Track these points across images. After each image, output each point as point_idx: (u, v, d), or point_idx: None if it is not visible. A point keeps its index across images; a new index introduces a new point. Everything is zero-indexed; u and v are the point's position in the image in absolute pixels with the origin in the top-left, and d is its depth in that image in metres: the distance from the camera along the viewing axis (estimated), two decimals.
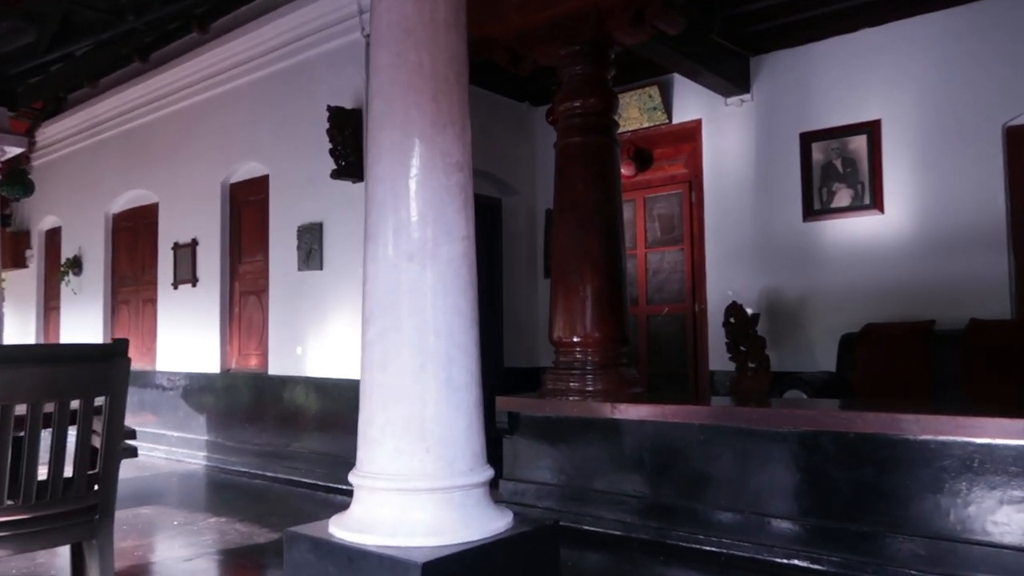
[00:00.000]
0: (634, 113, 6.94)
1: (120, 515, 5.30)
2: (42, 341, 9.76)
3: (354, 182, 5.76)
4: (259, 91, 6.73)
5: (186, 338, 7.44)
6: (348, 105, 5.78)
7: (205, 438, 7.09)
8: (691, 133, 6.75)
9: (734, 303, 5.57)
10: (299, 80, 6.31)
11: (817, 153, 6.00)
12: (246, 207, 7.06)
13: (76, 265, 8.90)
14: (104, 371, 2.51)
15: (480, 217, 7.70)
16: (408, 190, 2.26)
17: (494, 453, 4.99)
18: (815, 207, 5.99)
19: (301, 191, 6.23)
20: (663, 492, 4.11)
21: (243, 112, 6.90)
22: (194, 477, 6.56)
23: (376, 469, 2.36)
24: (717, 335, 5.95)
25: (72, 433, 2.43)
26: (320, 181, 5.93)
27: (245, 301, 6.98)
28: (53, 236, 9.73)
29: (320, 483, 5.86)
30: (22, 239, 10.08)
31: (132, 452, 2.79)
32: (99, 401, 2.54)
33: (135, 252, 8.34)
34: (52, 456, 2.43)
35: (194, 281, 7.34)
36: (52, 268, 9.61)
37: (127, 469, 6.79)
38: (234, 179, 7.17)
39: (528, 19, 4.71)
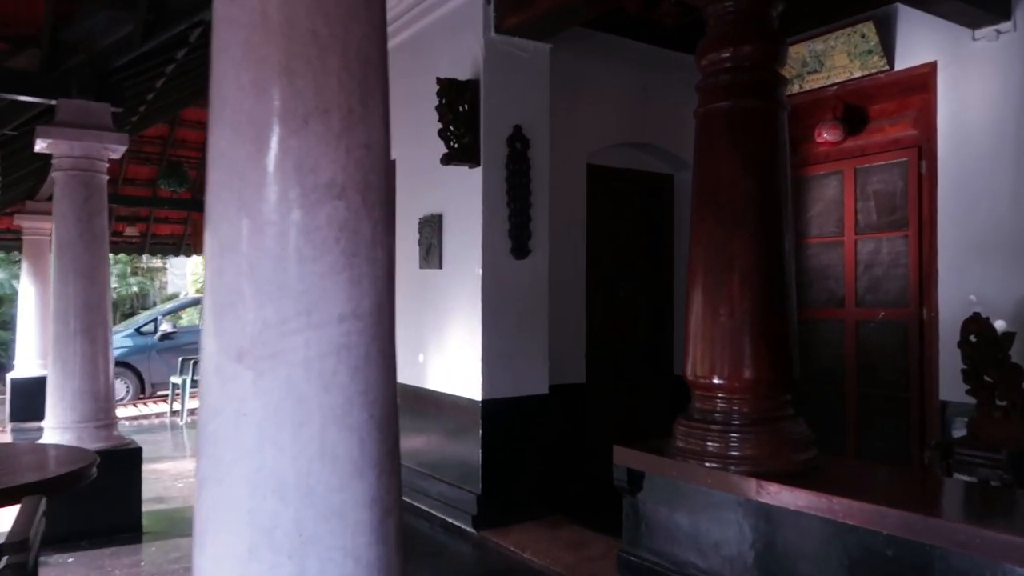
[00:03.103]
0: (842, 60, 5.34)
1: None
2: None
3: (471, 167, 4.87)
4: None
5: None
6: (463, 76, 4.86)
7: None
8: (922, 82, 5.04)
9: (977, 315, 4.17)
10: (418, 52, 5.47)
11: None
12: None
13: None
14: None
15: (647, 197, 6.56)
16: (239, 237, 1.29)
17: (613, 506, 3.97)
18: None
19: (423, 178, 5.44)
20: None
21: None
22: None
23: None
24: (951, 353, 4.42)
25: None
26: (440, 167, 5.08)
27: None
28: None
29: (436, 515, 5.12)
30: None
31: None
32: None
33: None
34: None
35: None
36: None
37: None
38: None
39: None
